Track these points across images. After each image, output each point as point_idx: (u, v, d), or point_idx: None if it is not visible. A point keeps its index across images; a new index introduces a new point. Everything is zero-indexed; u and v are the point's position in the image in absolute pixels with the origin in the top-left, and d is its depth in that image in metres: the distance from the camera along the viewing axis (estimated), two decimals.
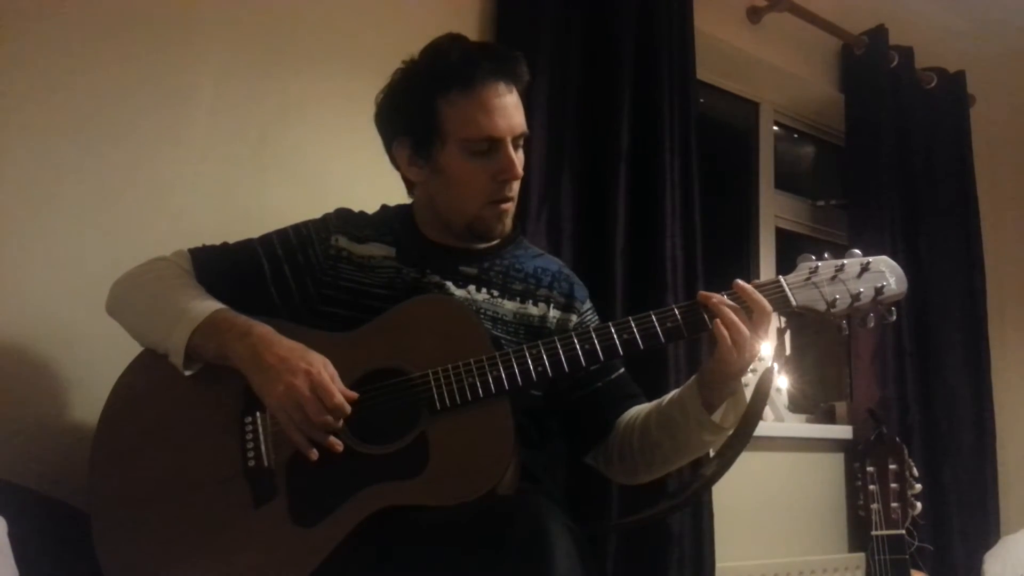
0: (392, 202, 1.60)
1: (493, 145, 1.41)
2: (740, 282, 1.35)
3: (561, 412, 1.54)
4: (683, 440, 1.44)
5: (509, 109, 1.41)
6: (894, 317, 1.39)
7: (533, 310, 1.51)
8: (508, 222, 1.50)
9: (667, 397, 1.48)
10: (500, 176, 1.42)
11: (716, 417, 1.39)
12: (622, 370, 1.59)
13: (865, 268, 1.37)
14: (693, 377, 1.43)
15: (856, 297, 1.35)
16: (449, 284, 1.46)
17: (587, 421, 1.55)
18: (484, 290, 1.49)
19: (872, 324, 1.38)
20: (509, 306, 1.50)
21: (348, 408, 1.25)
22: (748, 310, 1.33)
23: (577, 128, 2.27)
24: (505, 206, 1.46)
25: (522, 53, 1.46)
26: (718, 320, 1.32)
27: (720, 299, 1.34)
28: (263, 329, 1.31)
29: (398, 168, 1.52)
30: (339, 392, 1.25)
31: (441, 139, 1.42)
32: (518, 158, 1.44)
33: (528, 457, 1.37)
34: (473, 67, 1.40)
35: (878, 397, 2.84)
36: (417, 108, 1.43)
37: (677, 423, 1.43)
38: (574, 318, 1.55)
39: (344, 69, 1.98)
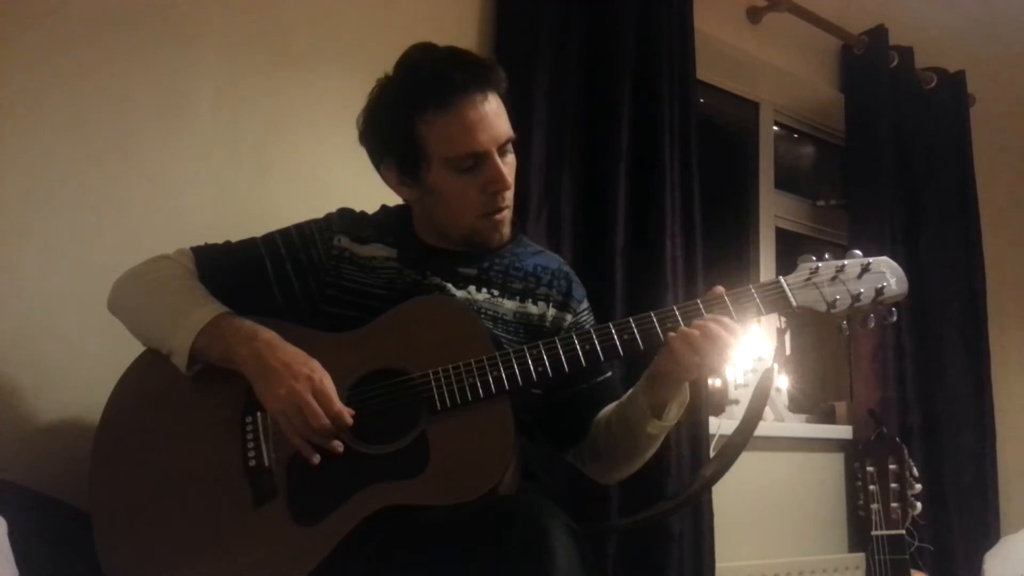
0: (392, 202, 1.60)
1: (479, 159, 1.39)
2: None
3: (544, 410, 1.52)
4: (643, 436, 1.43)
5: (489, 119, 1.38)
6: (894, 318, 1.39)
7: (533, 309, 1.51)
8: (505, 230, 1.49)
9: (627, 394, 1.47)
10: (490, 188, 1.41)
11: (666, 419, 1.39)
12: (609, 374, 1.57)
13: (865, 269, 1.37)
14: (645, 374, 1.42)
15: (856, 298, 1.35)
16: (449, 286, 1.46)
17: (567, 421, 1.54)
18: (484, 290, 1.49)
19: (872, 325, 1.38)
20: (509, 305, 1.49)
21: (348, 419, 1.25)
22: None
23: (577, 128, 2.26)
24: (499, 216, 1.45)
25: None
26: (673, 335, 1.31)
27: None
28: (268, 334, 1.32)
29: (390, 188, 1.50)
30: (339, 401, 1.26)
31: (426, 160, 1.40)
32: (507, 164, 1.42)
33: (528, 456, 1.37)
34: (446, 82, 1.36)
35: (878, 397, 2.84)
36: (396, 132, 1.40)
37: (633, 421, 1.42)
38: (569, 317, 1.54)
39: (343, 70, 1.98)
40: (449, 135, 1.37)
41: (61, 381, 1.60)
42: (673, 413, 1.41)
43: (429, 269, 1.47)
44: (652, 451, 1.49)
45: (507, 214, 1.47)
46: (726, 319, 1.32)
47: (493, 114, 1.39)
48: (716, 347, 1.29)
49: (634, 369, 2.10)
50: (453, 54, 1.43)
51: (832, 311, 1.35)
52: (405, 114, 1.38)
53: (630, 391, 1.46)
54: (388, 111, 1.42)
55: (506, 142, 1.42)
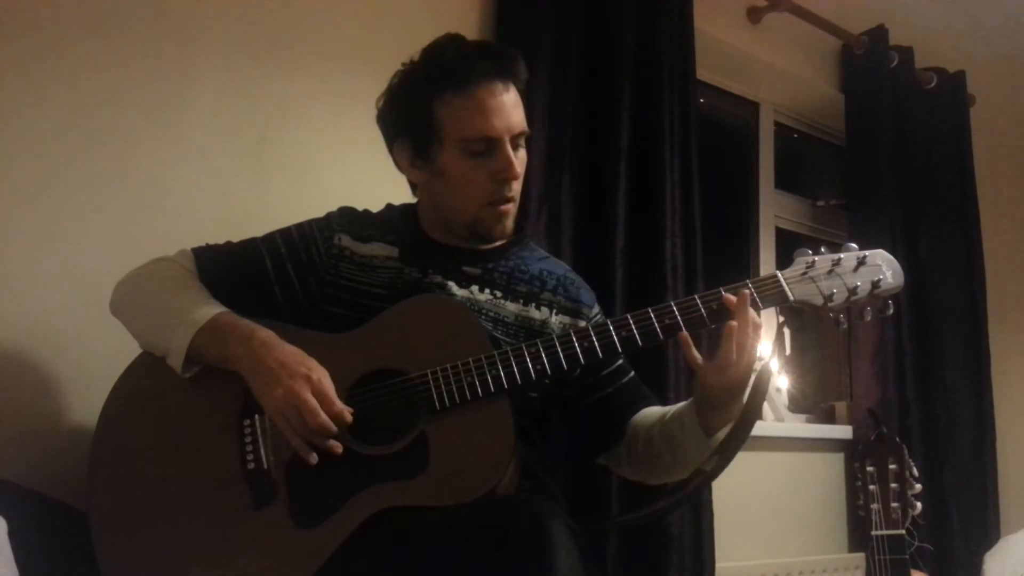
0: (392, 201, 1.60)
1: (491, 145, 1.40)
2: (738, 295, 1.34)
3: (571, 418, 1.54)
4: (682, 455, 1.46)
5: (506, 108, 1.41)
6: (891, 311, 1.38)
7: (535, 314, 1.51)
8: (509, 223, 1.49)
9: (671, 410, 1.48)
10: (498, 176, 1.42)
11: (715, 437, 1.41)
12: (632, 374, 1.59)
13: (862, 262, 1.37)
14: (692, 398, 1.43)
15: (853, 291, 1.35)
16: (452, 284, 1.46)
17: (599, 427, 1.55)
18: (487, 291, 1.49)
19: (869, 318, 1.38)
20: (511, 308, 1.49)
21: (348, 417, 1.25)
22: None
23: (577, 128, 2.26)
24: (504, 207, 1.46)
25: (520, 52, 1.46)
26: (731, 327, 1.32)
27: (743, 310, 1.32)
28: (265, 334, 1.31)
29: (400, 170, 1.52)
30: (339, 400, 1.25)
31: (439, 140, 1.42)
32: (519, 157, 1.44)
33: (528, 456, 1.37)
34: (468, 67, 1.40)
35: (878, 397, 2.84)
36: (414, 110, 1.43)
37: (676, 440, 1.44)
38: (583, 324, 1.53)
39: (344, 69, 1.98)
40: (465, 117, 1.39)
41: (61, 381, 1.60)
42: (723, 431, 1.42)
43: (432, 266, 1.47)
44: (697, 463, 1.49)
45: (512, 208, 1.48)
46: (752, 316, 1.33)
47: (510, 104, 1.42)
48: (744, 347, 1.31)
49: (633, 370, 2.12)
50: (479, 43, 1.49)
51: (829, 304, 1.35)
52: (425, 93, 1.42)
53: (675, 408, 1.47)
54: (409, 90, 1.45)
55: (519, 134, 1.44)
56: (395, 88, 1.48)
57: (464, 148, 1.41)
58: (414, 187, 1.55)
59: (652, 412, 1.54)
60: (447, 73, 1.40)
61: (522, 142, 1.46)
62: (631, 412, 1.55)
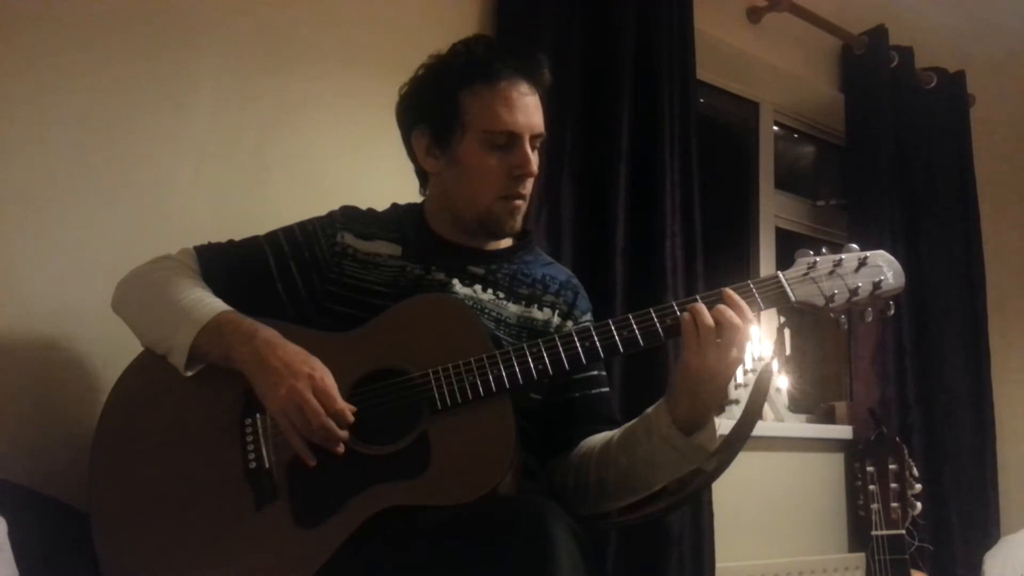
0: (394, 201, 1.60)
1: (511, 139, 1.42)
2: (727, 291, 1.33)
3: (532, 415, 1.48)
4: (641, 458, 1.36)
5: (530, 108, 1.44)
6: (892, 311, 1.38)
7: (538, 315, 1.51)
8: (519, 220, 1.50)
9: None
10: (515, 171, 1.44)
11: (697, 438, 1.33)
12: (605, 389, 1.55)
13: (863, 262, 1.37)
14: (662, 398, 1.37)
15: (854, 292, 1.35)
16: (455, 282, 1.46)
17: (552, 430, 1.50)
18: (490, 291, 1.49)
19: (870, 318, 1.38)
20: (513, 309, 1.49)
21: (350, 417, 1.25)
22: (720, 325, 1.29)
23: (577, 128, 2.26)
24: (517, 203, 1.47)
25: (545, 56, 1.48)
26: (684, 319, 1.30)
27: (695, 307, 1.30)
28: (268, 332, 1.31)
29: (414, 159, 1.53)
30: (341, 399, 1.25)
31: (461, 129, 1.43)
32: (534, 158, 1.45)
33: (528, 456, 1.37)
34: (498, 62, 1.43)
35: (878, 397, 2.84)
36: (440, 98, 1.45)
37: (638, 439, 1.37)
38: (571, 325, 1.53)
39: (343, 69, 1.98)
40: (491, 109, 1.42)
41: (61, 381, 1.60)
42: (705, 435, 1.34)
43: (435, 264, 1.47)
44: (653, 484, 1.42)
45: (523, 204, 1.48)
46: (739, 302, 1.31)
47: (533, 106, 1.46)
48: (732, 332, 1.28)
49: (634, 375, 2.12)
50: (507, 46, 1.55)
51: (830, 305, 1.35)
52: (454, 82, 1.44)
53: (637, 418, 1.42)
54: (437, 79, 1.47)
55: (537, 136, 1.46)
56: (421, 78, 1.50)
57: (485, 139, 1.42)
58: (424, 181, 1.56)
59: (613, 432, 1.46)
60: (477, 66, 1.44)
61: (537, 145, 1.47)
62: (588, 427, 1.49)
